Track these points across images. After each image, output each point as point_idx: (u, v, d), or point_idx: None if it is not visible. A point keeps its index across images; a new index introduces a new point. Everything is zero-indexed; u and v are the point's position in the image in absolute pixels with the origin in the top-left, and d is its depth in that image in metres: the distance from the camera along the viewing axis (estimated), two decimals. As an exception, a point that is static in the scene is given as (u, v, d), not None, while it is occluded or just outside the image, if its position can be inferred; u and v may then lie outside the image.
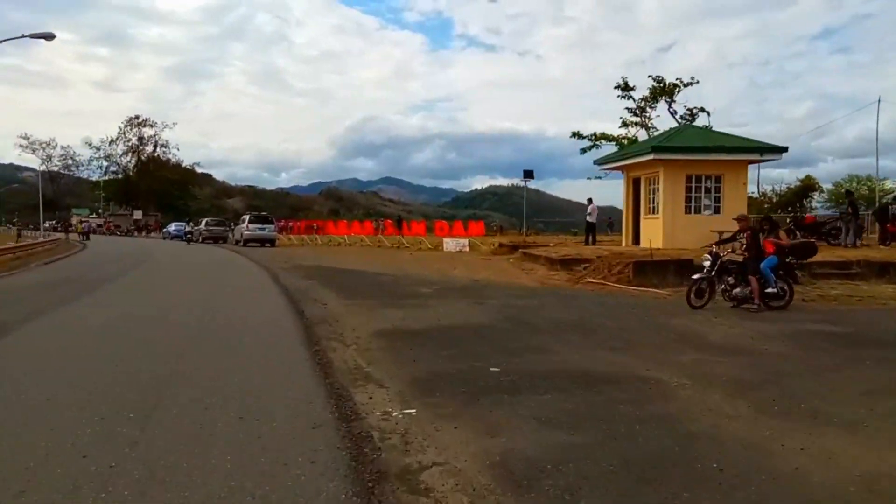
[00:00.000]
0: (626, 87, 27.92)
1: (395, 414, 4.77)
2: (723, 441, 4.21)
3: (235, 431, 4.34)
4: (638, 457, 3.90)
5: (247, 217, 36.69)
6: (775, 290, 10.12)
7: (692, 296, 10.28)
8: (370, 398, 5.19)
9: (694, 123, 26.38)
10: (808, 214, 27.69)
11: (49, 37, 22.40)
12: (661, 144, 18.83)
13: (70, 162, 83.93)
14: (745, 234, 10.72)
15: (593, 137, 28.20)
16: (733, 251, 11.27)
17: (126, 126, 79.25)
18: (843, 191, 32.24)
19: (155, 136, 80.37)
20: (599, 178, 30.58)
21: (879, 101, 32.67)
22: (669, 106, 28.02)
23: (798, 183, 67.54)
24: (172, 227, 52.71)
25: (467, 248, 27.82)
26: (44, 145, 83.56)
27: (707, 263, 10.47)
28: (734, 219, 11.47)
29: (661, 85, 27.01)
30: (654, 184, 19.92)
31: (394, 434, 4.33)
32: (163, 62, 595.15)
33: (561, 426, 4.48)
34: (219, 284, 14.90)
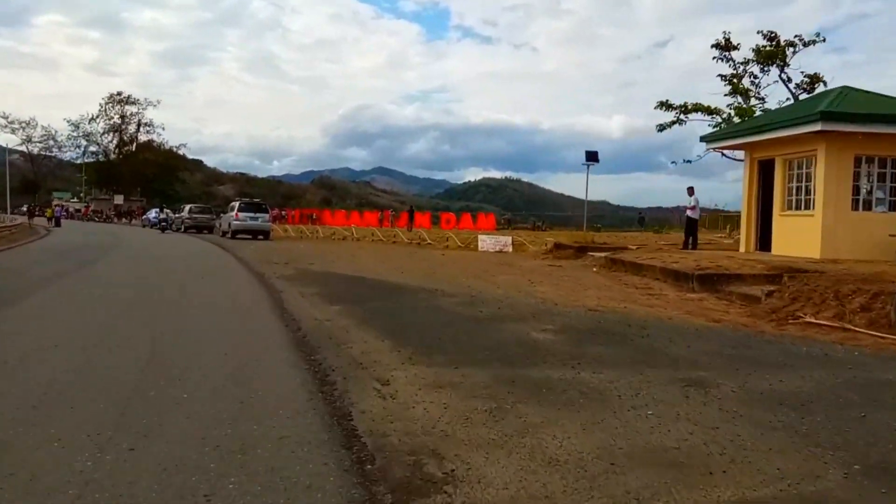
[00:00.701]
0: (726, 46, 21.86)
1: None
2: None
3: None
4: None
5: (236, 204, 30.52)
6: None
7: None
8: None
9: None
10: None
11: None
12: (833, 110, 12.97)
13: (52, 143, 76.37)
14: None
15: (683, 109, 22.22)
16: None
17: (107, 103, 72.44)
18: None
19: (138, 114, 73.67)
20: (690, 161, 24.32)
21: None
22: (781, 70, 21.88)
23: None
24: (152, 213, 46.41)
25: (510, 248, 21.96)
26: (23, 125, 76.49)
27: None
28: None
29: (774, 44, 20.87)
30: (803, 167, 14.09)
31: None
32: (155, 47, 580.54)
33: None
34: (182, 311, 8.95)
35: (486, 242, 22.78)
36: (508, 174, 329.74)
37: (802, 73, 21.68)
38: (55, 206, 54.04)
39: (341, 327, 7.62)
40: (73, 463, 3.28)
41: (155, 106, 72.84)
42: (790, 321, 8.20)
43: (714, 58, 22.21)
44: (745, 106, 21.96)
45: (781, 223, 14.66)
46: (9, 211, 54.21)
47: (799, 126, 13.41)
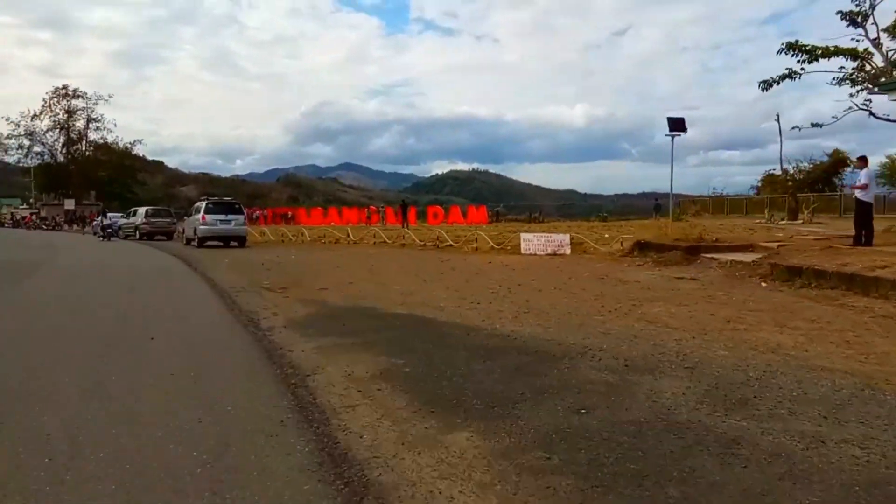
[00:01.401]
0: (855, 21, 16.38)
1: None
2: None
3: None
4: None
5: (202, 204, 23.95)
6: None
7: None
8: None
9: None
10: None
11: None
12: None
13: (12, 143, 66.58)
14: None
15: (813, 54, 16.77)
16: None
17: (52, 98, 64.28)
18: None
19: (87, 109, 65.53)
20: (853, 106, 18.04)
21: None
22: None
23: (826, 158, 58.55)
24: (103, 219, 39.70)
25: (567, 250, 16.50)
26: (-38, 127, 66.69)
27: None
28: None
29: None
30: None
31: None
32: (108, 46, 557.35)
33: None
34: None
35: (533, 243, 17.25)
36: (475, 166, 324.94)
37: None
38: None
39: None
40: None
41: (107, 101, 64.82)
42: None
43: (848, 24, 16.73)
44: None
45: None
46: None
47: None
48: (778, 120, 65.81)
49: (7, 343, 6.59)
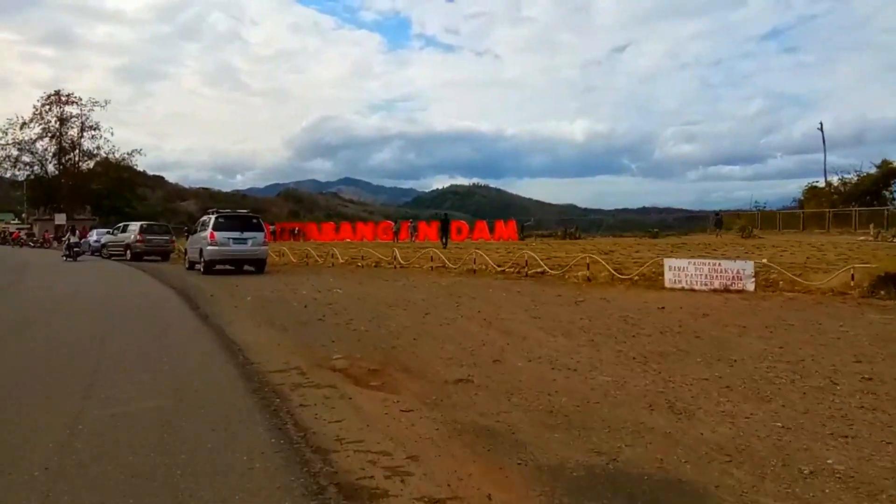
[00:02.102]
0: None
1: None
2: None
3: None
4: None
5: (211, 218, 17.94)
6: None
7: None
8: None
9: None
10: None
11: None
12: None
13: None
14: None
15: None
16: None
17: (43, 105, 57.86)
18: None
19: (81, 116, 59.09)
20: None
21: None
22: None
23: (875, 169, 53.19)
24: (94, 235, 34.13)
25: (751, 286, 11.09)
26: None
27: None
28: None
29: None
30: None
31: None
32: (112, 62, 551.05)
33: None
34: None
35: (687, 273, 11.82)
36: (475, 181, 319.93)
37: None
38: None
39: None
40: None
41: (102, 107, 58.84)
42: None
43: None
44: None
45: None
46: None
47: None
48: (821, 129, 60.21)
49: None
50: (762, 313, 8.79)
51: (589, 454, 3.72)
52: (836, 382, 5.21)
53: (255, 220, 18.12)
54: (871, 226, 29.38)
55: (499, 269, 15.89)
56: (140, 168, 77.05)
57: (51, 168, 59.08)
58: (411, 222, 49.19)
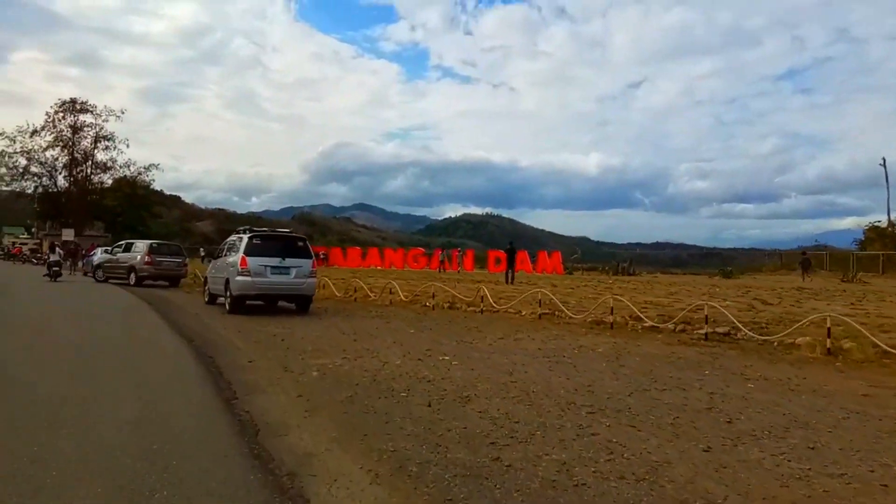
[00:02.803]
0: None
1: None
2: None
3: None
4: None
5: (242, 240, 12.93)
6: None
7: None
8: None
9: None
10: None
11: None
12: None
13: (3, 172, 54.37)
14: None
15: None
16: None
17: (57, 112, 52.95)
18: None
19: (95, 126, 54.43)
20: None
21: None
22: None
23: (954, 209, 48.39)
24: (98, 252, 29.40)
25: None
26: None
27: None
28: None
29: None
30: None
31: None
32: (135, 84, 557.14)
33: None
34: None
35: None
36: (488, 210, 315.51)
37: None
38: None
39: None
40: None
41: (118, 117, 54.48)
42: None
43: None
44: None
45: None
46: None
47: None
48: (884, 164, 55.02)
49: None
50: None
51: None
52: None
53: (300, 243, 13.15)
54: None
55: (647, 324, 10.87)
56: (157, 187, 72.74)
57: (60, 180, 54.56)
58: (444, 250, 44.29)
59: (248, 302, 12.72)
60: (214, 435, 4.44)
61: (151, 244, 22.28)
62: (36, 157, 52.07)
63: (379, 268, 42.73)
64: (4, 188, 54.95)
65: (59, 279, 23.38)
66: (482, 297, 13.84)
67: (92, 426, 4.52)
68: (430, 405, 5.34)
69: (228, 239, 14.21)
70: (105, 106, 56.70)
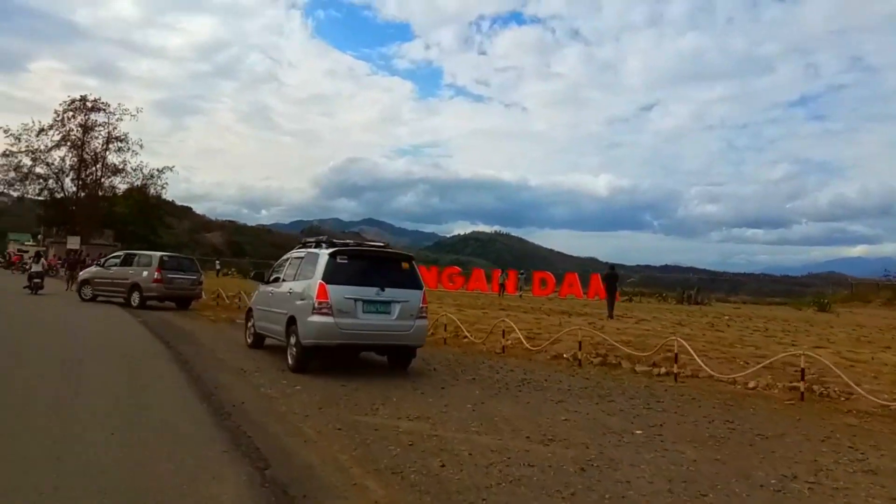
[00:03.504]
0: None
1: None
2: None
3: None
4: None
5: (321, 258, 7.80)
6: None
7: None
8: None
9: None
10: None
11: None
12: None
13: (12, 176, 48.00)
14: None
15: None
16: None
17: (66, 110, 47.42)
18: None
19: (107, 125, 48.93)
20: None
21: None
22: None
23: None
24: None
25: None
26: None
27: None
28: None
29: None
30: None
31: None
32: (151, 96, 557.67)
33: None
34: None
35: None
36: (497, 228, 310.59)
37: None
38: None
39: None
40: None
41: (133, 116, 49.67)
42: None
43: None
44: None
45: None
46: None
47: None
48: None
49: None
50: None
51: None
52: None
53: (405, 264, 8.28)
54: None
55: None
56: (168, 197, 68.01)
57: (68, 183, 49.75)
58: (502, 271, 39.25)
59: (328, 354, 7.89)
60: None
61: (162, 257, 17.49)
62: (42, 157, 47.26)
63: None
64: (6, 191, 50.24)
65: (40, 292, 20.51)
66: (673, 352, 8.91)
67: None
68: None
69: (289, 254, 9.32)
70: (119, 104, 51.61)
